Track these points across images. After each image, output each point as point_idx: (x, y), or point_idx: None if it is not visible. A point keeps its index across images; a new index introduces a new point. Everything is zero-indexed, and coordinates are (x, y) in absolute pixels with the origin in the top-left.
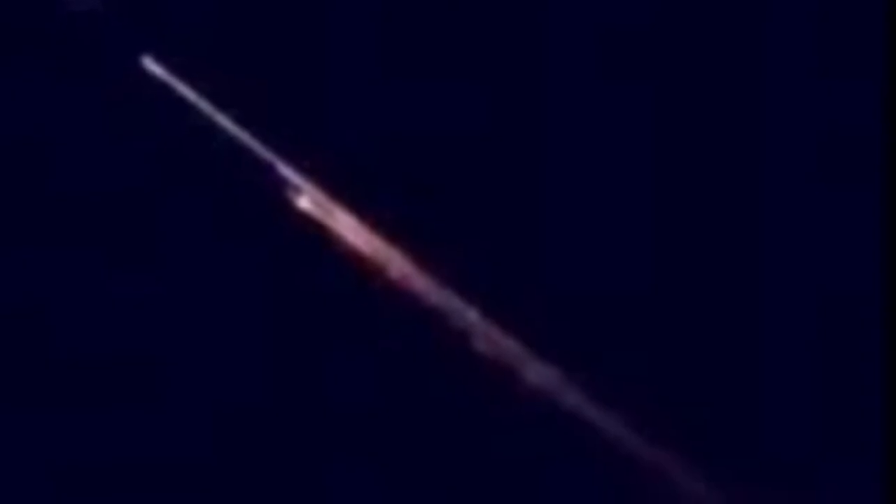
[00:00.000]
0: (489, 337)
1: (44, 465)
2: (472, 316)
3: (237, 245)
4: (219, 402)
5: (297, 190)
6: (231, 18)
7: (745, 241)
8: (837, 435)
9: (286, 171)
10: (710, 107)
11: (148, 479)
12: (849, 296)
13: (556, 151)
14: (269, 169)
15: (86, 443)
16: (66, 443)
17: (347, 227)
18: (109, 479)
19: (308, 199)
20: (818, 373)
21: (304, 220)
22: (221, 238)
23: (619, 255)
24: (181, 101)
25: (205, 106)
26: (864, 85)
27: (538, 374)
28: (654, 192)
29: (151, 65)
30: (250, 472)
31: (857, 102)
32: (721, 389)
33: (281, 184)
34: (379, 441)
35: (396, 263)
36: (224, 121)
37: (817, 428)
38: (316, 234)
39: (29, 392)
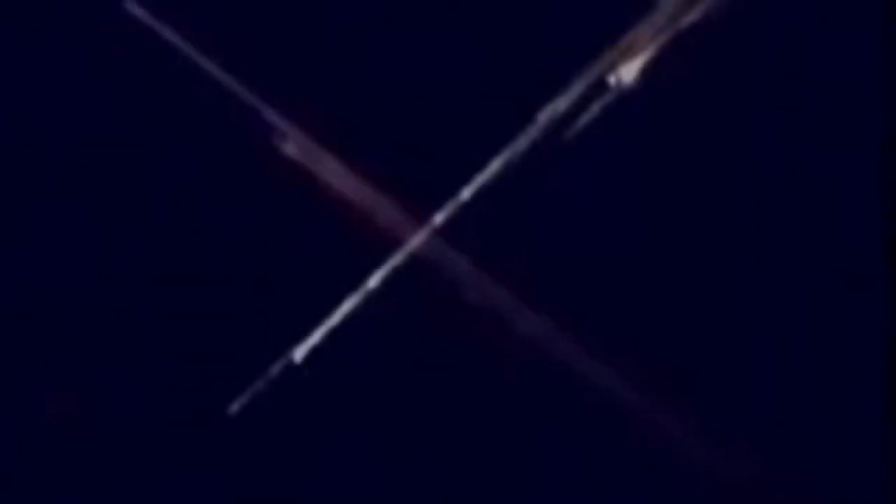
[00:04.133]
0: (480, 287)
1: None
2: (462, 265)
3: (222, 192)
4: (208, 351)
5: (284, 136)
6: None
7: (736, 193)
8: (833, 392)
9: (272, 116)
10: (707, 67)
11: (141, 441)
12: (846, 252)
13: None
14: (255, 114)
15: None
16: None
17: (335, 175)
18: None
19: (294, 146)
20: (811, 330)
21: (291, 167)
22: (206, 185)
23: (612, 206)
24: (165, 45)
25: (189, 50)
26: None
27: (530, 324)
28: (646, 145)
29: (134, 8)
30: (246, 418)
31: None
32: (715, 342)
33: (267, 130)
34: (368, 393)
35: (385, 211)
36: (208, 65)
37: (812, 384)
38: (302, 181)
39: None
